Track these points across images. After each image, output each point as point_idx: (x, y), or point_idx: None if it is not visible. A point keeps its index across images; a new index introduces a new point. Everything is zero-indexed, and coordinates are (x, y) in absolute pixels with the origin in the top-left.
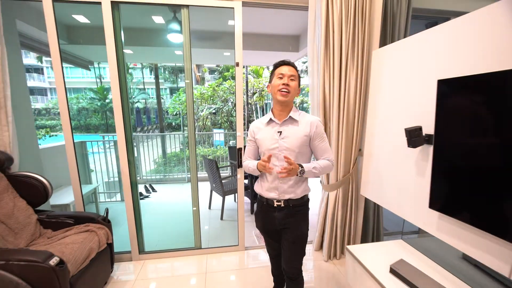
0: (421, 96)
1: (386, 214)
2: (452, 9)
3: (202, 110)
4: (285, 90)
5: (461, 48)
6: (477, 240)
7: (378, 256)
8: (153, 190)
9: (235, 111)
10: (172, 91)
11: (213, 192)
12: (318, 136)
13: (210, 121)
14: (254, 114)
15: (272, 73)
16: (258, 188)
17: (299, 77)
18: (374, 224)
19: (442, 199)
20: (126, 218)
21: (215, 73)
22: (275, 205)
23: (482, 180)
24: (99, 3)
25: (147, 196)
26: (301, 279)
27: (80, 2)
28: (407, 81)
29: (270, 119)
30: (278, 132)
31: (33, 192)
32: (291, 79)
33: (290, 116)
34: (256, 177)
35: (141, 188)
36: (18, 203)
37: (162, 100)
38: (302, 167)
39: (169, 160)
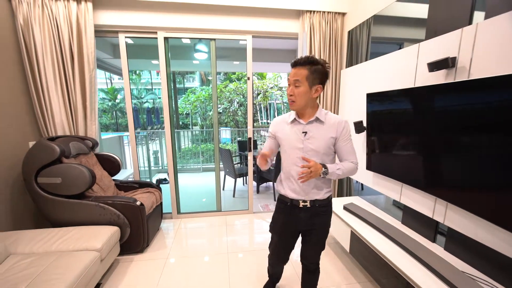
0: (362, 101)
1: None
2: (399, 36)
3: (210, 110)
4: (291, 100)
5: (380, 75)
6: (394, 188)
7: (340, 202)
8: (160, 185)
9: (240, 111)
10: (178, 91)
11: (227, 176)
12: (344, 137)
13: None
14: (258, 114)
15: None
16: (281, 188)
17: (313, 72)
18: (347, 188)
19: (372, 164)
20: (169, 189)
21: (221, 74)
22: (300, 206)
23: (392, 150)
24: (156, 38)
25: (167, 182)
26: (318, 271)
27: (144, 38)
28: (358, 91)
29: (295, 119)
30: (303, 132)
31: (111, 166)
32: (296, 86)
33: (316, 117)
34: (275, 174)
35: (164, 175)
36: (104, 172)
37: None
38: (325, 167)
39: (184, 153)
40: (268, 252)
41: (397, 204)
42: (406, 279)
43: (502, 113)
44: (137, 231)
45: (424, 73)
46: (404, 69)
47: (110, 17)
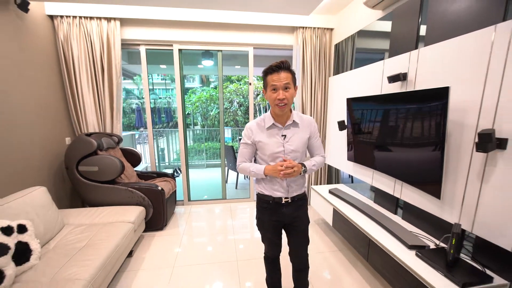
0: (344, 104)
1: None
2: (379, 47)
3: (212, 110)
4: (282, 104)
5: (355, 84)
6: (368, 174)
7: (327, 188)
8: (181, 172)
9: (240, 111)
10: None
11: (230, 170)
12: (315, 135)
13: (217, 120)
14: (258, 114)
15: (264, 78)
16: (264, 189)
17: (294, 75)
18: (335, 177)
19: (351, 155)
20: (181, 180)
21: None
22: (283, 202)
23: (365, 143)
24: (172, 50)
25: (178, 176)
26: (308, 267)
27: (162, 49)
28: (342, 96)
29: (273, 124)
30: (283, 135)
31: (133, 158)
32: (286, 88)
33: (293, 120)
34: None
35: (171, 170)
36: (127, 164)
37: (169, 100)
38: (304, 166)
39: (189, 151)
40: (264, 249)
41: (372, 189)
42: (375, 242)
43: (433, 114)
44: (158, 211)
45: (387, 84)
46: (374, 80)
47: (134, 33)
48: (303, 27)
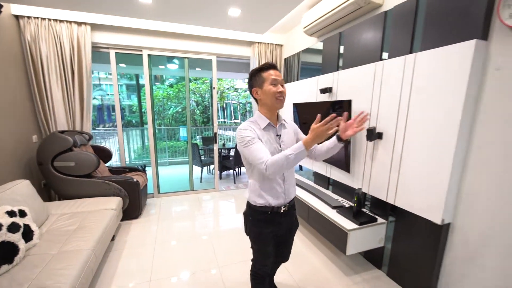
0: (292, 107)
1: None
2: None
3: (169, 109)
4: (282, 97)
5: (300, 92)
6: (309, 161)
7: None
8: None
9: (198, 110)
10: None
11: (194, 166)
12: (299, 131)
13: (174, 120)
14: (221, 114)
15: (258, 76)
16: (260, 199)
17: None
18: None
19: None
20: (152, 174)
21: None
22: (281, 212)
23: None
24: (141, 54)
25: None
26: None
27: (131, 54)
28: (290, 101)
29: (269, 123)
30: (277, 135)
31: (104, 154)
32: (282, 84)
33: (284, 120)
34: (234, 162)
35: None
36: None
37: (120, 97)
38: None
39: (148, 149)
40: (257, 265)
41: (314, 173)
42: (312, 208)
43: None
44: (134, 201)
45: (320, 94)
46: (312, 90)
47: (104, 37)
48: (258, 42)
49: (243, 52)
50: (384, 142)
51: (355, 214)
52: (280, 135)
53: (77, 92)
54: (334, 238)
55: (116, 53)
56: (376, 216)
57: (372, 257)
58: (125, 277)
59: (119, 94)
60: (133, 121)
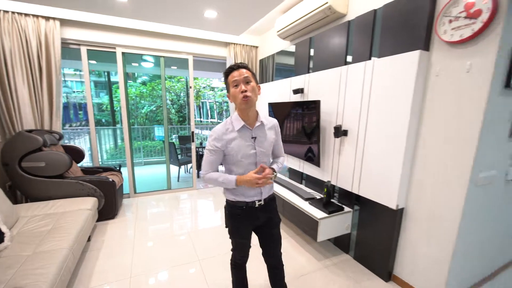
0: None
1: None
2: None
3: (143, 107)
4: (245, 96)
5: (274, 92)
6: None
7: None
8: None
9: (174, 109)
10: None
11: (171, 165)
12: (279, 136)
13: (148, 119)
14: (198, 113)
15: (226, 82)
16: (234, 197)
17: (254, 74)
18: None
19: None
20: (127, 174)
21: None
22: (256, 206)
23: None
24: (115, 52)
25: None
26: (282, 264)
27: (104, 51)
28: (265, 101)
29: (244, 126)
30: (253, 137)
31: (76, 155)
32: (247, 82)
33: (261, 121)
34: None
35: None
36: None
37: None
38: (275, 171)
39: (122, 150)
40: (232, 254)
41: (288, 169)
42: (287, 201)
43: (315, 115)
44: (110, 201)
45: (293, 94)
46: (285, 90)
47: (75, 33)
48: (234, 43)
49: (219, 52)
50: (349, 139)
51: (325, 205)
52: (256, 137)
53: (45, 90)
54: (307, 227)
55: (87, 50)
56: (343, 206)
57: (341, 243)
58: (105, 275)
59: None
60: (103, 120)
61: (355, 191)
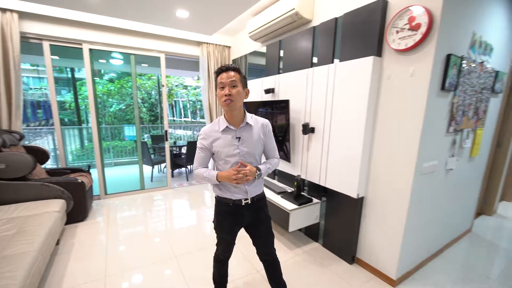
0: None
1: None
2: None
3: (110, 106)
4: (228, 100)
5: (254, 91)
6: None
7: None
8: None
9: (145, 107)
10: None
11: (144, 165)
12: (269, 136)
13: (117, 118)
14: (171, 112)
15: (216, 81)
16: (222, 193)
17: (244, 77)
18: None
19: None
20: (97, 175)
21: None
22: (243, 204)
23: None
24: (81, 48)
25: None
26: (278, 261)
27: (69, 46)
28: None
29: (227, 127)
30: (237, 138)
31: (40, 156)
32: (233, 86)
33: (246, 122)
34: (186, 160)
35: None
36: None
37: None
38: (259, 170)
39: (89, 150)
40: (215, 251)
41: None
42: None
43: (285, 113)
44: (79, 203)
45: (264, 94)
46: (258, 90)
47: (36, 27)
48: (207, 43)
49: (192, 51)
50: (316, 135)
51: (295, 197)
52: (240, 138)
53: (2, 87)
54: (279, 219)
55: (50, 45)
56: (312, 198)
57: (310, 232)
58: (77, 277)
59: (46, 89)
60: (66, 119)
61: (322, 183)
